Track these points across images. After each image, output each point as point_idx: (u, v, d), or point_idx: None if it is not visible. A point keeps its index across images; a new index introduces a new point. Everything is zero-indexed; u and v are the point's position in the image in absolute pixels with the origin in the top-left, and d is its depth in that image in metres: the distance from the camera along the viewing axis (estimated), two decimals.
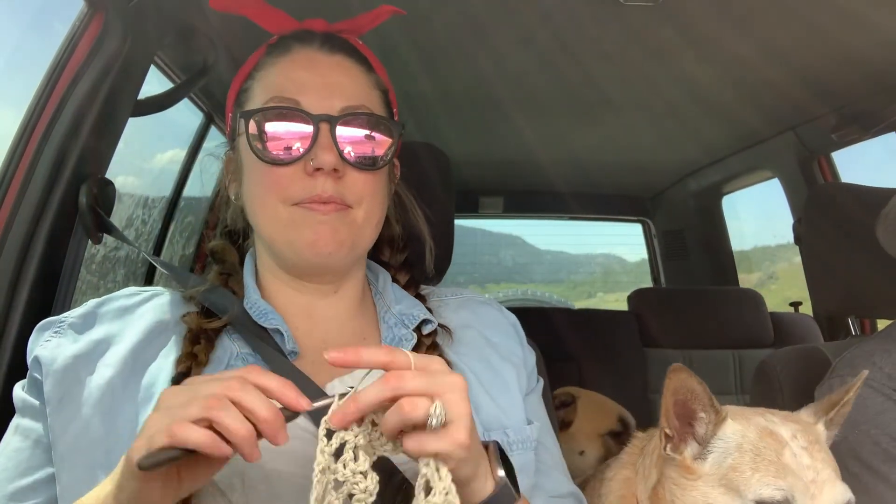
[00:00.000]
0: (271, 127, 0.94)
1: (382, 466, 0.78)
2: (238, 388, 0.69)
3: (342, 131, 0.94)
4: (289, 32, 1.04)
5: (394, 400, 0.69)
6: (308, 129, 0.93)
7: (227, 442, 0.67)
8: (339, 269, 1.03)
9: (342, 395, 0.72)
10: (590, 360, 2.93)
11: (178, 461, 0.67)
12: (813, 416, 1.17)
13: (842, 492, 1.06)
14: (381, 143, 0.98)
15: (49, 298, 1.27)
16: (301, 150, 0.93)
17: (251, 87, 1.01)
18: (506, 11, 1.58)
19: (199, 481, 0.73)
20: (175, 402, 0.69)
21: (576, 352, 2.91)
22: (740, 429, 1.11)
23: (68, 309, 1.29)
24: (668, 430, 1.13)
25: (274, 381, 0.71)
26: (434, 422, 0.68)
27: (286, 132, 0.94)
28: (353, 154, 0.95)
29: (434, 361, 0.74)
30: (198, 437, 0.66)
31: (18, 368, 1.18)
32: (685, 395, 1.11)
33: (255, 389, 0.69)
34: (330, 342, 1.03)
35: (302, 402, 0.71)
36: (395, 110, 1.08)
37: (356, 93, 0.99)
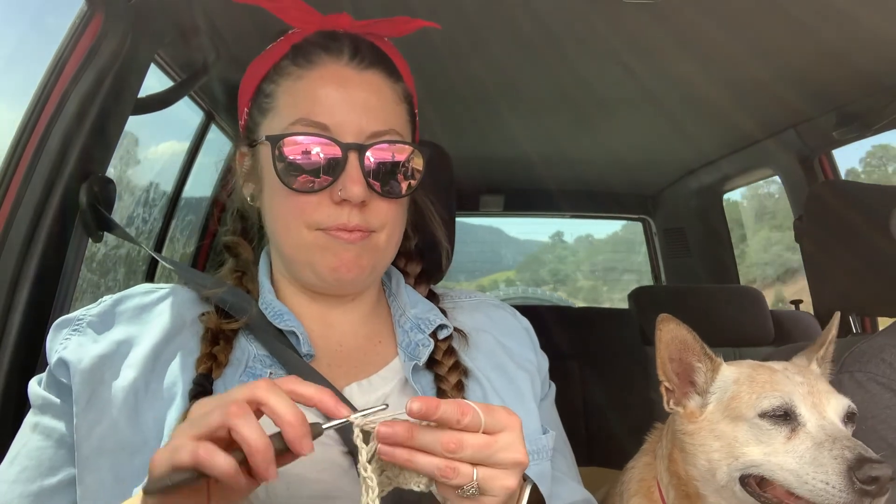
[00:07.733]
0: (299, 153, 0.92)
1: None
2: (265, 388, 0.66)
3: (370, 161, 0.93)
4: (313, 34, 0.99)
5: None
6: (336, 157, 0.92)
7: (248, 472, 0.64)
8: (358, 289, 1.04)
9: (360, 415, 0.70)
10: (590, 359, 2.92)
11: (194, 483, 0.63)
12: (804, 360, 1.22)
13: (842, 399, 1.10)
14: (408, 172, 0.97)
15: (50, 297, 1.27)
16: (329, 178, 0.92)
17: (274, 93, 0.98)
18: (507, 10, 1.58)
19: (229, 501, 0.69)
20: (201, 411, 0.66)
21: (576, 350, 2.90)
22: (734, 369, 1.17)
23: (69, 307, 1.29)
24: (667, 384, 1.17)
25: (311, 389, 0.68)
26: (466, 493, 0.68)
27: (314, 160, 0.92)
28: (380, 185, 0.94)
29: (501, 421, 0.71)
30: (221, 467, 0.61)
31: (20, 366, 1.19)
32: (679, 347, 1.16)
33: (282, 392, 0.66)
34: (345, 345, 1.03)
35: (342, 410, 0.68)
36: (416, 113, 1.07)
37: (385, 115, 0.97)
